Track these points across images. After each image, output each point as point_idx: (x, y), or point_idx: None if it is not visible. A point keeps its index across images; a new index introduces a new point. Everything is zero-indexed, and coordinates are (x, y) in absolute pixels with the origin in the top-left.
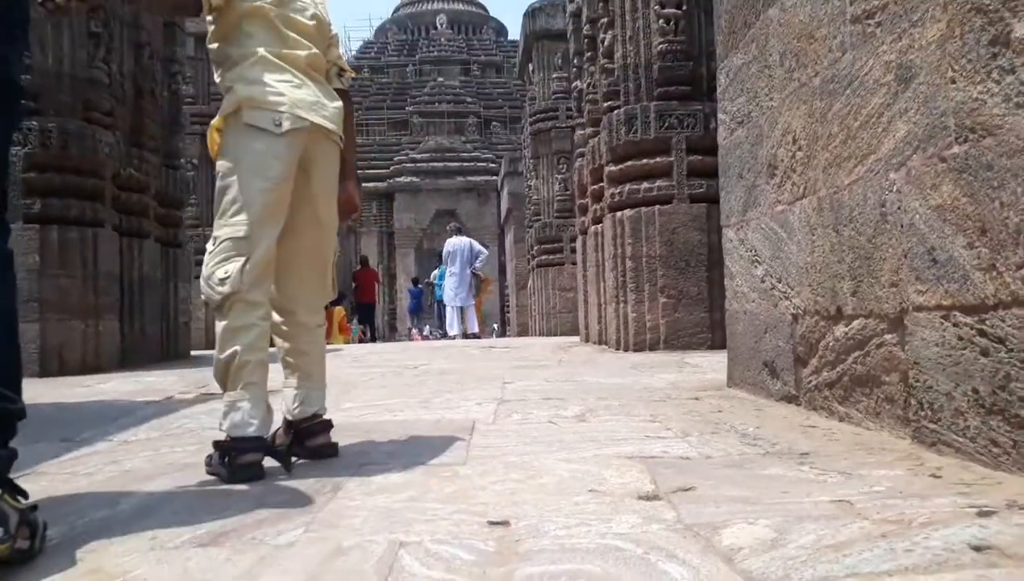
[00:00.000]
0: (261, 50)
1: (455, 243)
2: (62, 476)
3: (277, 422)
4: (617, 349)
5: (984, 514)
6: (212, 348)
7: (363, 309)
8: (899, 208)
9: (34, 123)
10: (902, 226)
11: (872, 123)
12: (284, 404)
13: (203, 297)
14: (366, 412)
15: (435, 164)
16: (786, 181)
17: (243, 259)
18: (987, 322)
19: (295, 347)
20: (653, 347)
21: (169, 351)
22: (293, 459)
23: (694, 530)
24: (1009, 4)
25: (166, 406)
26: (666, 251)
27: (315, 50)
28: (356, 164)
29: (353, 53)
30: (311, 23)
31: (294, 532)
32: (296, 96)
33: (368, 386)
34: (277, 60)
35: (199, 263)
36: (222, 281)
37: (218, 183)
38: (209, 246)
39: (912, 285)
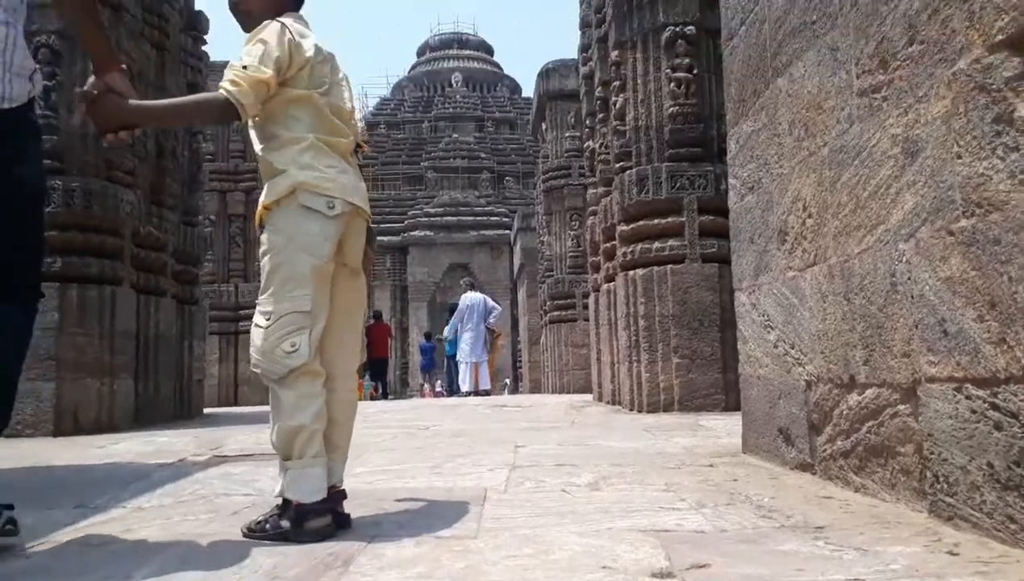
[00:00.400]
0: (312, 136)
1: (470, 298)
2: (76, 545)
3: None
4: (631, 410)
5: None
6: (225, 406)
7: (375, 364)
8: (909, 279)
9: (58, 183)
10: (912, 297)
11: (881, 194)
12: None
13: (258, 370)
14: (378, 478)
15: (449, 218)
16: (796, 248)
17: (308, 331)
18: (999, 396)
19: (327, 414)
20: (667, 408)
21: (183, 410)
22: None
23: None
24: (1012, 84)
25: (179, 470)
26: (679, 311)
27: (352, 137)
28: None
29: (370, 109)
30: (350, 108)
31: None
32: (343, 181)
33: (379, 448)
34: (327, 146)
35: (214, 319)
36: (289, 354)
37: (269, 259)
38: (262, 321)
39: (924, 356)
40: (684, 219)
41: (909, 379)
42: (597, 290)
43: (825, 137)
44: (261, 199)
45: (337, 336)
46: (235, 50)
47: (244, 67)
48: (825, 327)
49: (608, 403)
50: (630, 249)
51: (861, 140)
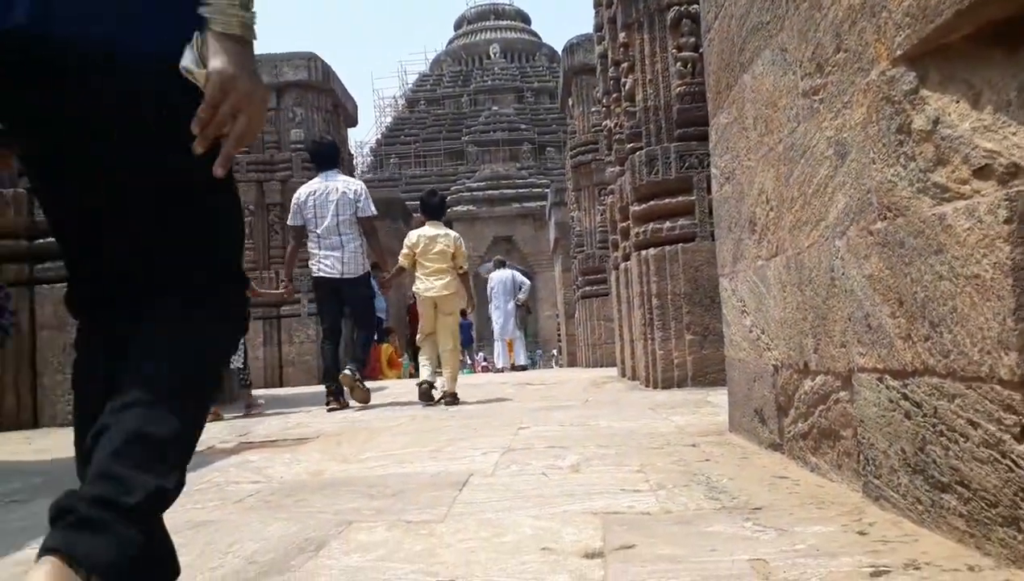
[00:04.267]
0: (417, 272)
1: (497, 277)
2: None
3: None
4: (646, 386)
5: (877, 574)
6: (271, 386)
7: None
8: (843, 274)
9: None
10: (846, 291)
11: (820, 192)
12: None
13: None
14: (378, 464)
15: (491, 192)
16: (763, 238)
17: (421, 334)
18: (908, 387)
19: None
20: (681, 383)
21: (223, 394)
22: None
23: None
24: (909, 97)
25: (204, 458)
26: (690, 289)
27: (436, 266)
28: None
29: (409, 86)
30: (437, 255)
31: None
32: (423, 286)
33: (393, 432)
34: (420, 275)
35: (257, 305)
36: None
37: None
38: None
39: (855, 347)
40: (694, 198)
41: (846, 368)
42: (616, 268)
43: (780, 134)
44: None
45: (441, 336)
46: (258, 46)
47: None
48: (785, 315)
49: (629, 379)
50: (642, 229)
51: (806, 139)
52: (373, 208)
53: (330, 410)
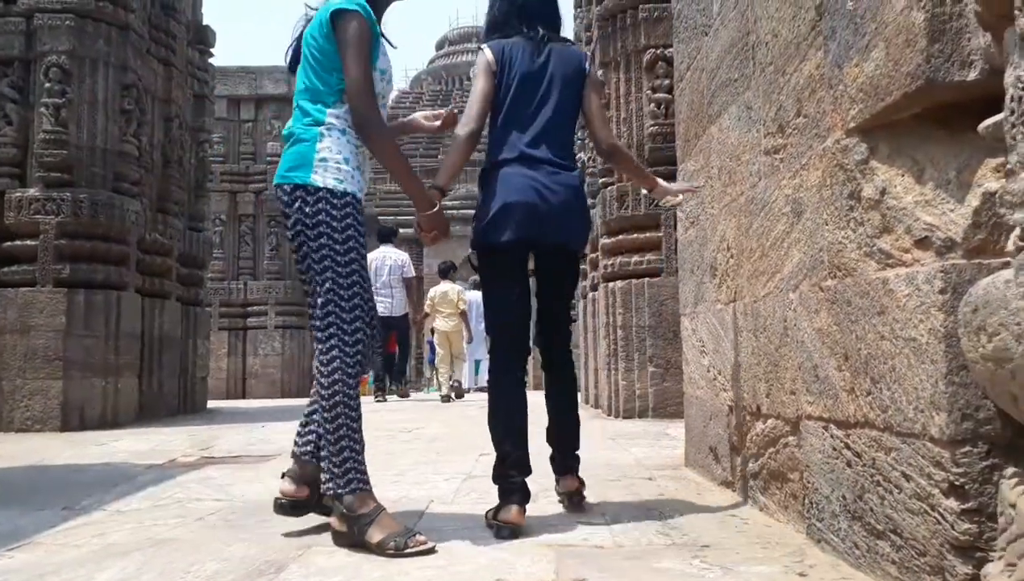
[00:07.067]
0: (435, 315)
1: (470, 297)
2: (55, 547)
3: None
4: (608, 415)
5: None
6: (233, 398)
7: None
8: (795, 325)
9: (67, 194)
10: (797, 342)
11: (777, 246)
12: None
13: None
14: None
15: (466, 211)
16: (723, 283)
17: (437, 357)
18: (851, 437)
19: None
20: (642, 414)
21: (186, 405)
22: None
23: None
24: (860, 166)
25: (165, 472)
26: (655, 322)
27: (448, 311)
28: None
29: (389, 104)
30: (448, 303)
31: None
32: (441, 324)
33: None
34: (438, 317)
35: (224, 315)
36: None
37: None
38: None
39: (804, 395)
40: (662, 234)
41: (795, 415)
42: (584, 298)
43: (742, 186)
44: None
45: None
46: (241, 58)
47: None
48: (741, 359)
49: (592, 407)
50: (611, 261)
51: (766, 194)
52: (413, 272)
53: (377, 401)
